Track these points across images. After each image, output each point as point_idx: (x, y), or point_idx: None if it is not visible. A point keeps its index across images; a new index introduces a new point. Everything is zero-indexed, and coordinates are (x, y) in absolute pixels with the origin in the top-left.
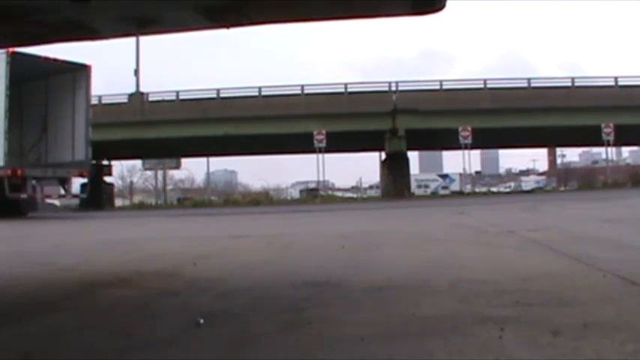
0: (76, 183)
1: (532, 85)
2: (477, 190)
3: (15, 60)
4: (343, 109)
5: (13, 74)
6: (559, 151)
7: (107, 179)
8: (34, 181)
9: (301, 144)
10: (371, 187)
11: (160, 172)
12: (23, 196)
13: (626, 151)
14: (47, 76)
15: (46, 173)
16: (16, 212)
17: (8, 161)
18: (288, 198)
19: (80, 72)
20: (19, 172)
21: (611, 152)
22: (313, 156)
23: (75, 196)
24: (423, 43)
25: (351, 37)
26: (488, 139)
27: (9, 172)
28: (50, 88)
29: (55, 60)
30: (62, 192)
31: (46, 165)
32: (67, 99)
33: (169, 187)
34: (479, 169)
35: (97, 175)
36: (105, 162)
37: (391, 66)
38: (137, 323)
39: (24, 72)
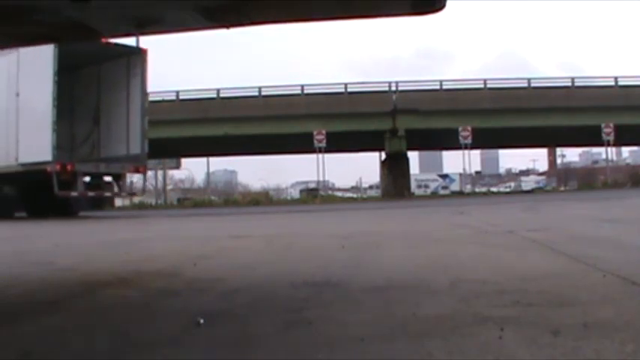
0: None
1: (532, 85)
2: (476, 190)
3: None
4: (343, 109)
5: (62, 60)
6: (559, 151)
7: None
8: (85, 178)
9: (301, 144)
10: (371, 187)
11: (160, 172)
12: (73, 194)
13: (626, 151)
14: (99, 62)
15: (98, 169)
16: (67, 211)
17: (57, 155)
18: (288, 198)
19: (135, 57)
20: (68, 167)
21: (611, 152)
22: (313, 156)
23: (130, 194)
24: (421, 43)
25: (350, 37)
26: (488, 139)
27: (58, 167)
28: (103, 75)
29: (108, 43)
30: (116, 189)
31: (99, 160)
32: (121, 87)
33: (169, 187)
34: (479, 169)
35: None
36: None
37: (389, 65)
38: (137, 323)
39: (74, 57)
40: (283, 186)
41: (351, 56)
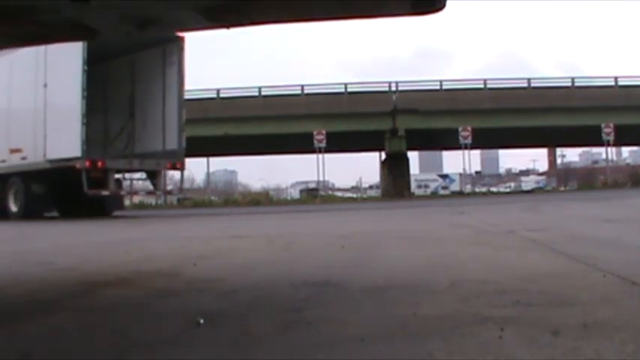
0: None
1: (532, 85)
2: (476, 190)
3: None
4: (343, 109)
5: (93, 49)
6: (559, 151)
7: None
8: (118, 175)
9: (301, 144)
10: (371, 187)
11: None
12: (104, 192)
13: (626, 151)
14: (134, 51)
15: (131, 165)
16: (100, 211)
17: (87, 151)
18: (288, 198)
19: (172, 45)
20: (99, 163)
21: (611, 152)
22: (313, 156)
23: (167, 192)
24: (420, 43)
25: (349, 37)
26: (488, 139)
27: (87, 163)
28: (137, 64)
29: None
30: (151, 188)
31: (133, 155)
32: (157, 77)
33: (169, 187)
34: (479, 169)
35: None
36: None
37: (389, 65)
38: (137, 323)
39: (106, 46)
40: (283, 186)
41: (351, 56)
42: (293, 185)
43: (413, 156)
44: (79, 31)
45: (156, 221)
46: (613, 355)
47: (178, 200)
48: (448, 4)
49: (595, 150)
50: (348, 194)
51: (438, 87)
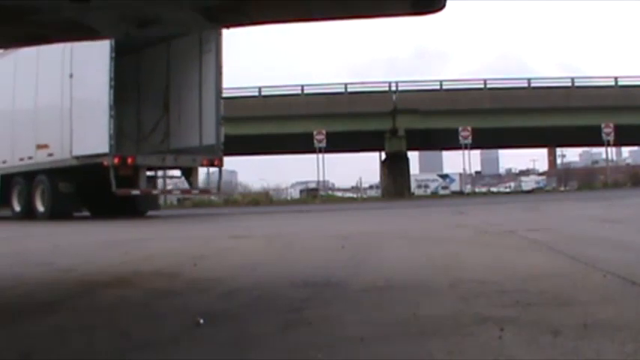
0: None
1: (532, 85)
2: (476, 190)
3: None
4: (343, 109)
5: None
6: (559, 151)
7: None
8: (151, 173)
9: (301, 144)
10: (371, 187)
11: (159, 172)
12: (134, 192)
13: (626, 151)
14: (168, 39)
15: (164, 162)
16: (131, 211)
17: (116, 146)
18: (288, 198)
19: (209, 31)
20: (129, 160)
21: (611, 152)
22: (313, 156)
23: (203, 191)
24: (420, 43)
25: (349, 37)
26: (488, 139)
27: (116, 160)
28: (172, 53)
29: None
30: (186, 186)
31: (167, 151)
32: (193, 66)
33: (169, 187)
34: (479, 169)
35: None
36: None
37: (388, 65)
38: (137, 323)
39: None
40: (283, 186)
41: (351, 56)
42: (293, 185)
43: (413, 156)
44: (79, 31)
45: (153, 221)
46: (613, 355)
47: (178, 200)
48: (448, 4)
49: (595, 150)
50: (348, 194)
51: (438, 87)
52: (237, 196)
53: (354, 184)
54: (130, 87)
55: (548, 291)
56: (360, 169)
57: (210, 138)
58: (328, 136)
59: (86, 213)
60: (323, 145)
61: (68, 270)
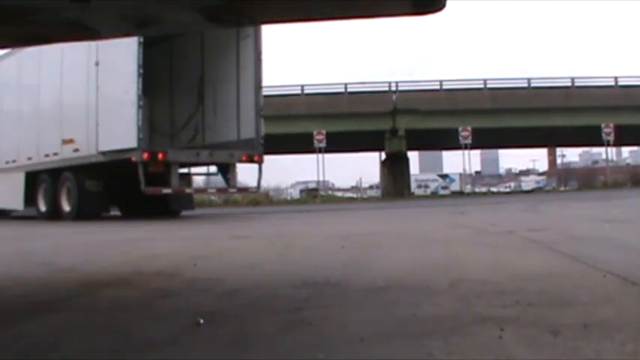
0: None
1: (532, 85)
2: (476, 190)
3: None
4: (343, 109)
5: None
6: (559, 151)
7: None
8: (184, 170)
9: (301, 144)
10: (371, 187)
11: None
12: (165, 190)
13: (626, 151)
14: None
15: (199, 158)
16: (164, 210)
17: (145, 141)
18: (288, 198)
19: None
20: (159, 155)
21: (611, 152)
22: (313, 156)
23: (242, 189)
24: (420, 43)
25: (349, 37)
26: (489, 139)
27: (145, 155)
28: (207, 40)
29: None
30: (223, 185)
31: (201, 146)
32: (230, 54)
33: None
34: (479, 169)
35: None
36: None
37: (388, 65)
38: (137, 323)
39: None
40: (283, 186)
41: (350, 56)
42: (293, 185)
43: (413, 156)
44: (79, 31)
45: (152, 221)
46: (613, 355)
47: None
48: (448, 4)
49: (595, 150)
50: (348, 194)
51: (438, 87)
52: (237, 196)
53: (354, 184)
54: (161, 78)
55: (548, 291)
56: (360, 169)
57: (248, 131)
58: (328, 136)
59: (116, 213)
60: (323, 145)
61: (68, 270)
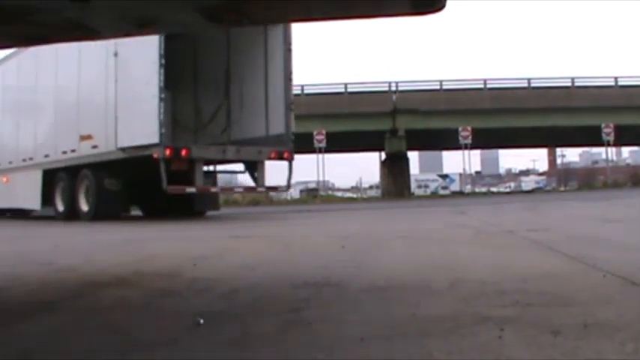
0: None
1: (532, 85)
2: (476, 190)
3: None
4: (343, 109)
5: None
6: (559, 151)
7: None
8: (209, 167)
9: (301, 144)
10: (371, 187)
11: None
12: (189, 189)
13: (626, 151)
14: None
15: (225, 155)
16: (187, 211)
17: (168, 136)
18: (288, 198)
19: None
20: (183, 152)
21: (611, 152)
22: (313, 156)
23: (270, 189)
24: (419, 43)
25: (349, 37)
26: (489, 139)
27: (168, 152)
28: (234, 29)
29: None
30: (252, 183)
31: (228, 142)
32: (257, 44)
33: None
34: (479, 169)
35: None
36: None
37: (388, 65)
38: (137, 323)
39: None
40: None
41: (350, 56)
42: (293, 185)
43: (413, 156)
44: (79, 31)
45: (152, 221)
46: (613, 355)
47: None
48: (448, 3)
49: (595, 150)
50: (348, 194)
51: (438, 87)
52: (237, 196)
53: (354, 184)
54: (184, 70)
55: (548, 291)
56: (360, 169)
57: (278, 127)
58: (328, 136)
59: (137, 213)
60: (323, 145)
61: (69, 270)
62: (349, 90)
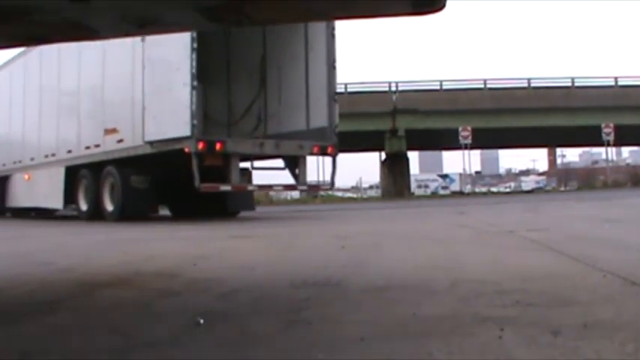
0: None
1: (532, 85)
2: (476, 190)
3: None
4: (343, 109)
5: None
6: (559, 151)
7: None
8: (245, 163)
9: None
10: (371, 187)
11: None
12: (224, 187)
13: (626, 151)
14: None
15: (262, 149)
16: (220, 210)
17: (201, 129)
18: (288, 198)
19: None
20: (217, 146)
21: (611, 152)
22: (313, 156)
23: (312, 187)
24: (419, 43)
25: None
26: (489, 139)
27: (200, 145)
28: None
29: None
30: (292, 180)
31: (264, 136)
32: (297, 31)
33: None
34: (479, 169)
35: None
36: None
37: (388, 65)
38: (137, 323)
39: None
40: None
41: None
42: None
43: (413, 156)
44: (79, 31)
45: (152, 221)
46: (613, 355)
47: None
48: (448, 3)
49: (595, 150)
50: (348, 194)
51: (438, 87)
52: None
53: (354, 184)
54: (216, 59)
55: (548, 291)
56: (360, 169)
57: (320, 119)
58: None
59: (166, 213)
60: None
61: (68, 270)
62: (349, 90)
